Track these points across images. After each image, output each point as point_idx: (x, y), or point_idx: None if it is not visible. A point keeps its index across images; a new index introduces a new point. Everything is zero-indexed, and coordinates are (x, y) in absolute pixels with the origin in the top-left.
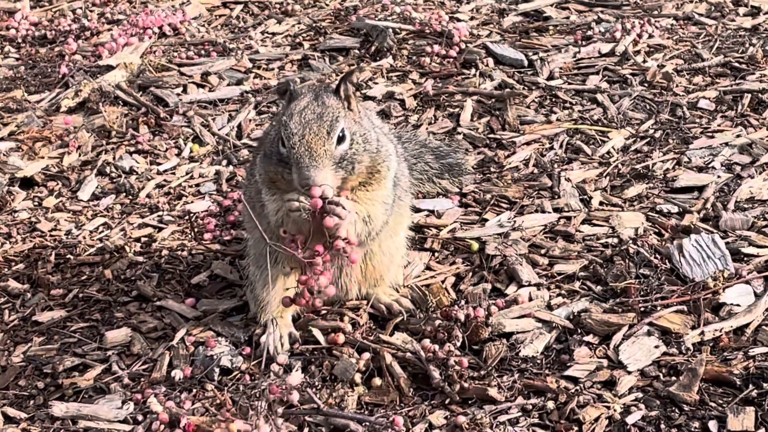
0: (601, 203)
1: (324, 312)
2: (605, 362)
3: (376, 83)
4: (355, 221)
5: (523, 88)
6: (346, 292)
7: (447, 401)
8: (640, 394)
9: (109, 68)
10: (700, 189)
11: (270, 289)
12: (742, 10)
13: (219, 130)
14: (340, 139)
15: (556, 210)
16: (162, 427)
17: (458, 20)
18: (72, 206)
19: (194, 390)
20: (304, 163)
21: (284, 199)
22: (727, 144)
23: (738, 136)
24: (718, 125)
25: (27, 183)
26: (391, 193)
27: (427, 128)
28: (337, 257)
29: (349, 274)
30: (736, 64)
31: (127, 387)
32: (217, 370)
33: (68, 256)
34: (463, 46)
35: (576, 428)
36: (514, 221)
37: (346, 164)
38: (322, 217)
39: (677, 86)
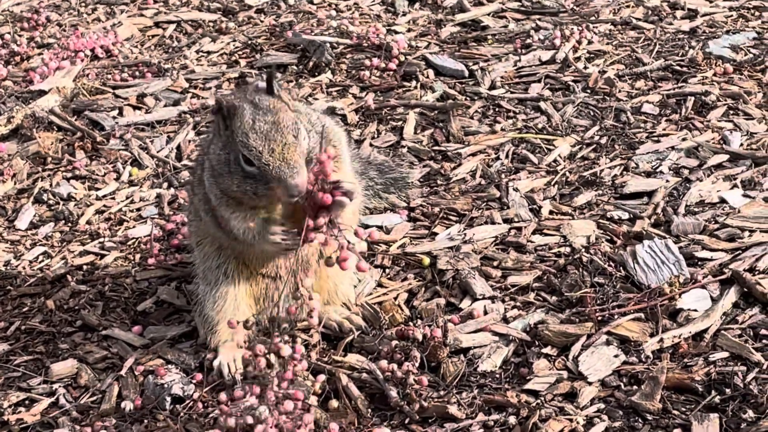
0: (551, 212)
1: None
2: (565, 374)
3: (316, 99)
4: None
5: (466, 99)
6: (301, 305)
7: (407, 421)
8: (602, 405)
9: (42, 93)
10: (650, 194)
11: (221, 306)
12: (679, 13)
13: (158, 152)
14: (303, 137)
15: (506, 221)
16: None
17: (396, 32)
18: (9, 236)
19: (146, 420)
20: (287, 174)
21: (269, 240)
22: (673, 148)
23: (684, 139)
24: (664, 129)
25: None
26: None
27: (370, 143)
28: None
29: (303, 281)
30: (677, 68)
31: (75, 420)
32: (168, 398)
33: (8, 287)
34: (402, 58)
35: None
36: (465, 234)
37: (308, 156)
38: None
39: (620, 91)
